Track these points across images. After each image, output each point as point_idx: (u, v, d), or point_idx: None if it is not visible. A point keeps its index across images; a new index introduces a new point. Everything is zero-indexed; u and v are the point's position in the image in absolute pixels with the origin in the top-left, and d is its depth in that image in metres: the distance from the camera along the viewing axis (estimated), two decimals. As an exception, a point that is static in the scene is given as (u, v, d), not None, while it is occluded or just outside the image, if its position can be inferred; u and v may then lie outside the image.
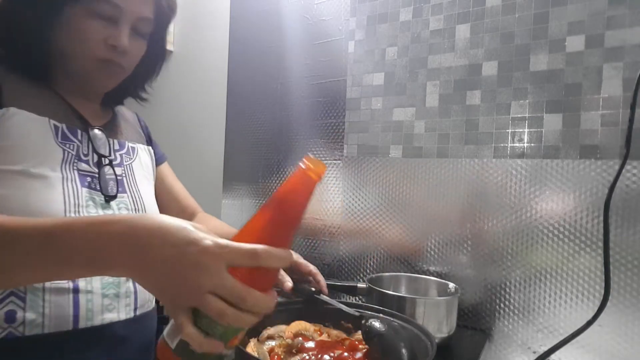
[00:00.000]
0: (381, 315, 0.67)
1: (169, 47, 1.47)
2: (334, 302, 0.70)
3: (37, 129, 0.59)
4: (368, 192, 1.05)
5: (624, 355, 0.75)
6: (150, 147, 0.81)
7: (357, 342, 0.63)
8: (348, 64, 1.09)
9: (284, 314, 0.68)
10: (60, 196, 0.58)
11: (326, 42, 1.13)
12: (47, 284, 0.55)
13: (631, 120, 0.64)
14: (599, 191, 0.78)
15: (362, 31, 1.07)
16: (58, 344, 0.56)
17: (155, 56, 0.76)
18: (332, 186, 1.10)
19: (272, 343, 0.62)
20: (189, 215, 0.87)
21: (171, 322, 0.42)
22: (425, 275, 0.94)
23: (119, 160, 0.70)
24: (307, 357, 0.58)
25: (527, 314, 0.84)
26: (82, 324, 0.58)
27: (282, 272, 0.71)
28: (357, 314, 0.67)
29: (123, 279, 0.63)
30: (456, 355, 0.78)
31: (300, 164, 0.42)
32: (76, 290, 0.58)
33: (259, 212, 0.43)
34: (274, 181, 1.21)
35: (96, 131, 0.68)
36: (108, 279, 0.61)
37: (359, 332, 0.65)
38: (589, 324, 0.63)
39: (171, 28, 1.47)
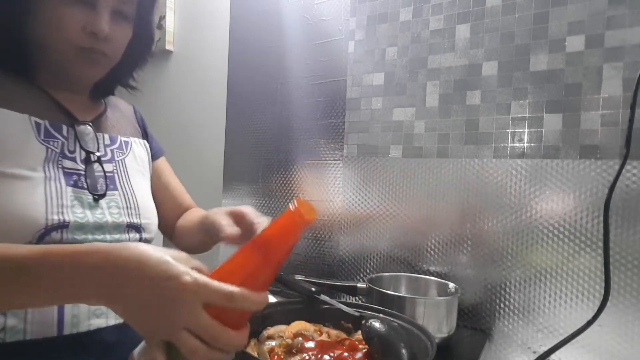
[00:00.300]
0: (381, 315, 0.67)
1: (169, 47, 1.47)
2: (334, 302, 0.70)
3: (16, 127, 0.56)
4: (368, 192, 1.05)
5: (624, 355, 0.75)
6: (145, 141, 0.78)
7: (357, 342, 0.63)
8: (348, 64, 1.09)
9: (284, 314, 0.68)
10: (42, 197, 0.55)
11: (326, 42, 1.13)
12: None
13: (631, 120, 0.64)
14: (599, 191, 0.78)
15: (362, 31, 1.07)
16: (41, 352, 0.53)
17: (142, 41, 0.71)
18: (332, 186, 1.10)
19: (272, 343, 0.62)
20: (183, 212, 0.85)
21: (143, 342, 0.42)
22: (425, 275, 0.94)
23: (109, 156, 0.67)
24: (307, 357, 0.58)
25: (527, 314, 0.84)
26: (67, 330, 0.55)
27: (225, 221, 0.63)
28: (357, 314, 0.67)
29: None
30: (456, 355, 0.78)
31: (290, 205, 0.42)
32: None
33: (243, 250, 0.43)
34: (274, 181, 1.21)
35: (83, 126, 0.64)
36: None
37: (359, 332, 0.65)
38: (589, 324, 0.63)
39: (171, 28, 1.47)
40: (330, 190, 1.11)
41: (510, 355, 0.86)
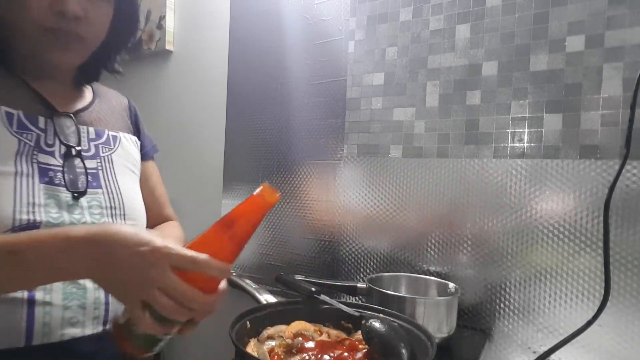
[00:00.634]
0: (381, 315, 0.67)
1: (169, 47, 1.47)
2: (334, 302, 0.70)
3: None
4: (368, 192, 1.05)
5: (624, 355, 0.75)
6: (137, 138, 0.73)
7: (357, 342, 0.63)
8: (348, 64, 1.09)
9: (284, 314, 0.68)
10: (10, 194, 0.50)
11: (326, 42, 1.13)
12: None
13: (631, 120, 0.64)
14: (599, 191, 0.78)
15: (362, 31, 1.07)
16: None
17: (126, 22, 0.65)
18: (332, 186, 1.10)
19: (272, 343, 0.62)
20: (162, 222, 0.80)
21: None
22: (425, 275, 0.94)
23: (93, 151, 0.62)
24: (307, 357, 0.58)
25: (527, 314, 0.84)
26: (37, 340, 0.51)
27: None
28: (357, 314, 0.67)
29: (90, 287, 0.56)
30: (456, 355, 0.78)
31: (257, 190, 0.48)
32: (31, 303, 0.51)
33: (213, 227, 0.49)
34: (274, 181, 1.21)
35: (63, 118, 0.59)
36: (71, 288, 0.54)
37: (359, 332, 0.65)
38: (589, 324, 0.63)
39: (171, 28, 1.47)
40: (330, 190, 1.11)
41: (510, 355, 0.86)
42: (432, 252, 0.95)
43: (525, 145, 0.86)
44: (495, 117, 0.89)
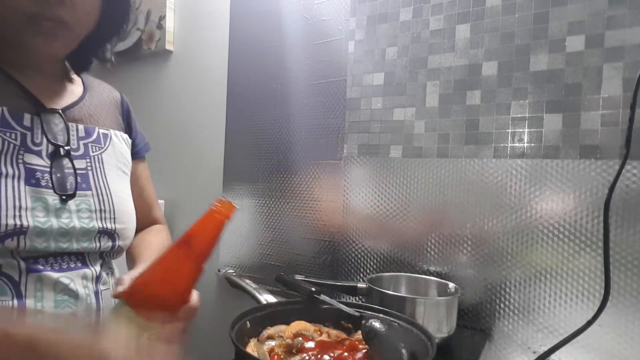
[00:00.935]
0: (381, 315, 0.67)
1: (169, 47, 1.47)
2: (334, 302, 0.70)
3: None
4: (368, 192, 1.05)
5: (624, 355, 0.75)
6: (128, 136, 0.70)
7: (357, 342, 0.63)
8: (348, 64, 1.09)
9: (284, 314, 0.68)
10: None
11: (326, 42, 1.13)
12: None
13: (631, 120, 0.64)
14: (599, 191, 0.78)
15: (362, 31, 1.07)
16: None
17: (115, 7, 0.61)
18: (332, 186, 1.10)
19: (272, 343, 0.62)
20: (149, 224, 0.78)
21: None
22: (425, 275, 0.94)
23: (82, 150, 0.59)
24: (307, 357, 0.58)
25: (527, 314, 0.84)
26: None
27: None
28: (357, 314, 0.67)
29: (82, 294, 0.55)
30: (456, 355, 0.78)
31: (211, 205, 0.47)
32: None
33: (171, 248, 0.48)
34: (274, 181, 1.21)
35: (51, 114, 0.56)
36: (63, 295, 0.53)
37: (359, 332, 0.65)
38: (589, 324, 0.64)
39: (171, 28, 1.47)
40: (330, 190, 1.11)
41: (510, 355, 0.86)
42: (432, 252, 0.95)
43: (525, 145, 0.86)
44: (495, 117, 0.89)
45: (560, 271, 0.81)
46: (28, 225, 0.50)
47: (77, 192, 0.56)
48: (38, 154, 0.53)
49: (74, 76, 0.67)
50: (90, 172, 0.59)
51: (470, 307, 0.90)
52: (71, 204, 0.55)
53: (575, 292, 0.80)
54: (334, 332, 0.68)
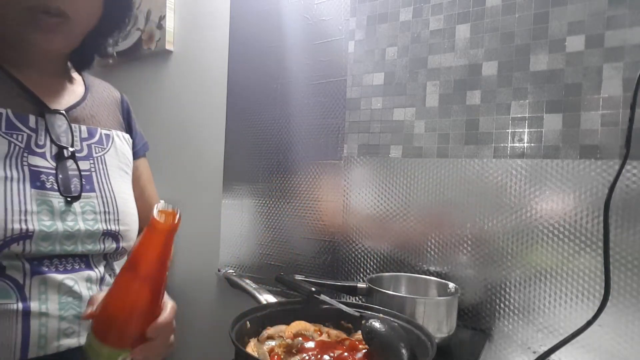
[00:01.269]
0: (381, 315, 0.67)
1: (169, 47, 1.47)
2: (334, 302, 0.70)
3: None
4: (368, 192, 1.05)
5: (624, 355, 0.75)
6: (129, 136, 0.70)
7: (357, 342, 0.63)
8: (348, 64, 1.09)
9: (284, 314, 0.68)
10: (1, 202, 0.47)
11: (326, 42, 1.13)
12: None
13: (631, 120, 0.64)
14: (599, 191, 0.78)
15: (362, 31, 1.07)
16: None
17: (116, 2, 0.60)
18: (332, 186, 1.10)
19: (272, 343, 0.62)
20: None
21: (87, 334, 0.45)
22: (425, 275, 0.94)
23: (86, 151, 0.58)
24: (307, 357, 0.58)
25: (527, 314, 0.84)
26: (33, 352, 0.48)
27: None
28: (357, 314, 0.67)
29: (85, 295, 0.54)
30: (456, 355, 0.78)
31: (152, 216, 0.44)
32: (26, 314, 0.48)
33: (119, 277, 0.45)
34: (274, 181, 1.21)
35: (55, 115, 0.55)
36: (67, 297, 0.53)
37: (359, 332, 0.65)
38: (589, 324, 0.63)
39: (171, 28, 1.47)
40: (330, 190, 1.11)
41: (510, 355, 0.86)
42: (432, 252, 0.95)
43: (525, 145, 0.86)
44: (495, 117, 0.89)
45: (560, 271, 0.81)
46: (34, 229, 0.50)
47: (82, 194, 0.56)
48: (42, 155, 0.53)
49: (75, 75, 0.67)
50: (94, 174, 0.58)
51: (470, 307, 0.90)
52: (76, 206, 0.54)
53: (575, 292, 0.80)
54: (334, 332, 0.68)
